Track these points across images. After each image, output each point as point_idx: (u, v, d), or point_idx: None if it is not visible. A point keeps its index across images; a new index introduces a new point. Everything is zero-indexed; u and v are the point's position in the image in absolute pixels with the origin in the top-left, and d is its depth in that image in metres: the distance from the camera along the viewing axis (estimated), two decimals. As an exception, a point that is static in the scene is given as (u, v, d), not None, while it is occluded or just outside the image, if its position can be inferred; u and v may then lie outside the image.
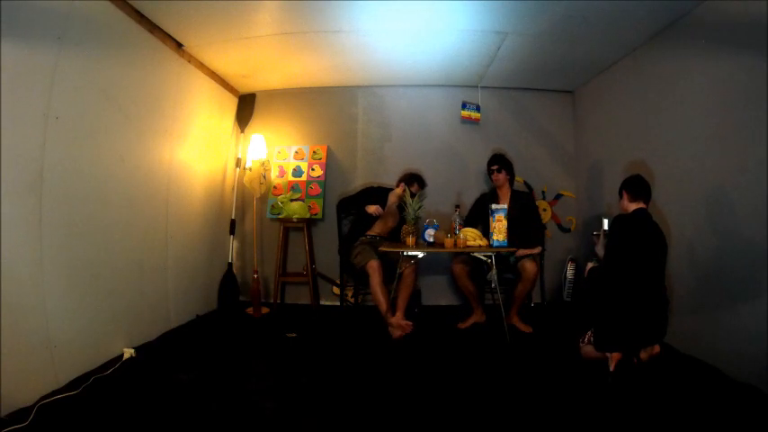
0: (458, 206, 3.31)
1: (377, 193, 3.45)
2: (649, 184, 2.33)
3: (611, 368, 2.17)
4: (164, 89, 2.90)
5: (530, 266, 3.05)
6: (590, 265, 2.51)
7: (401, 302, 3.04)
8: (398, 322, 2.93)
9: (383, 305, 2.97)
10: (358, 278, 3.35)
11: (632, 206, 2.30)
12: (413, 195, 3.21)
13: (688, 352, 2.49)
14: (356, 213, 3.45)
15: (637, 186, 2.31)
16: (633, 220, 2.25)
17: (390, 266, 3.08)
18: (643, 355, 2.20)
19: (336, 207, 3.63)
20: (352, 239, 3.33)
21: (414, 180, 3.34)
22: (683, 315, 2.55)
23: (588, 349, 2.31)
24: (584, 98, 3.92)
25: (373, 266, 2.97)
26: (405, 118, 4.06)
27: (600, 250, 2.49)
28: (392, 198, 3.33)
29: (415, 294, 3.18)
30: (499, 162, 3.29)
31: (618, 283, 2.18)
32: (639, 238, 2.19)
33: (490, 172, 3.33)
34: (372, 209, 3.17)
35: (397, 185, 3.33)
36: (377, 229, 3.33)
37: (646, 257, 2.16)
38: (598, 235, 2.57)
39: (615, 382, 2.14)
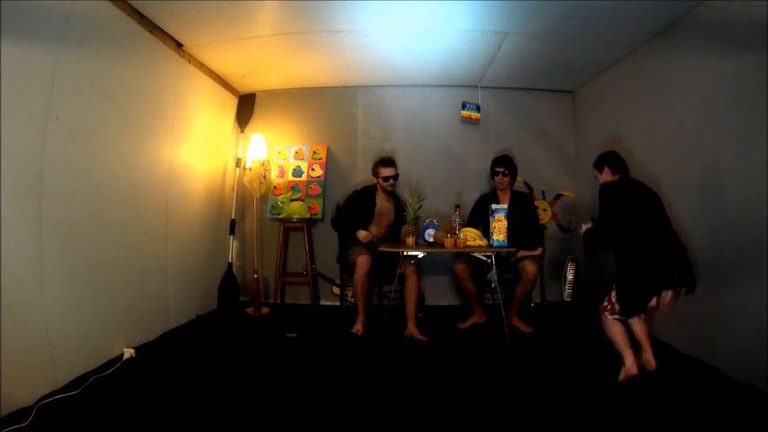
0: (458, 206, 3.30)
1: (363, 196, 3.38)
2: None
3: (621, 377, 2.14)
4: (164, 89, 2.90)
5: (530, 267, 3.04)
6: (585, 226, 2.48)
7: (409, 312, 3.01)
8: (411, 333, 2.95)
9: (360, 298, 3.05)
10: (354, 274, 3.34)
11: (615, 177, 2.34)
12: (386, 180, 3.23)
13: (688, 352, 2.49)
14: (348, 228, 3.33)
15: (617, 160, 2.37)
16: (621, 183, 2.30)
17: (390, 266, 3.08)
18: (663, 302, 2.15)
19: (332, 225, 3.52)
20: (349, 244, 3.30)
21: (378, 166, 3.28)
22: (683, 315, 2.55)
23: (613, 327, 2.19)
24: (584, 98, 3.92)
25: (361, 261, 2.99)
26: (405, 118, 4.06)
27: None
28: (380, 194, 3.32)
29: (419, 298, 3.16)
30: (505, 165, 3.27)
31: (628, 240, 2.15)
32: (633, 195, 2.21)
33: (495, 173, 3.31)
34: (362, 236, 3.15)
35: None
36: (373, 232, 3.32)
37: (645, 209, 2.16)
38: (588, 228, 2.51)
39: (616, 383, 2.14)
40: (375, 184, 3.37)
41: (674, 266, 2.10)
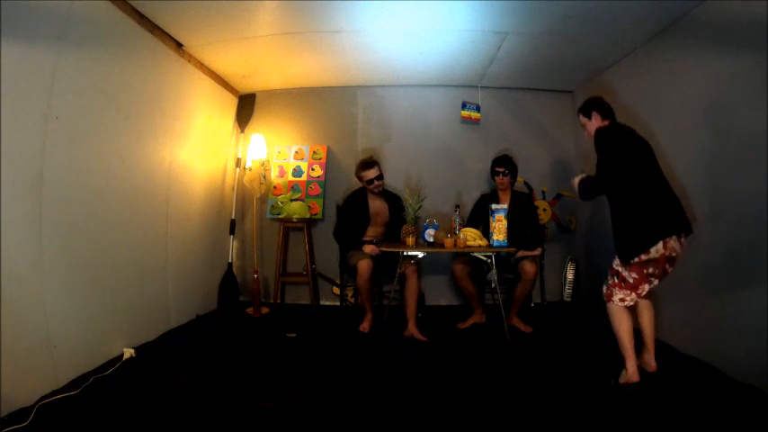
0: (458, 206, 3.31)
1: (355, 200, 3.36)
2: None
3: (621, 381, 2.12)
4: (164, 89, 2.90)
5: (529, 267, 3.04)
6: (577, 178, 2.40)
7: (410, 312, 3.01)
8: (411, 333, 2.95)
9: (365, 299, 3.12)
10: (356, 278, 3.35)
11: (606, 123, 2.30)
12: (370, 182, 3.21)
13: (688, 352, 2.49)
14: (348, 239, 3.32)
15: (605, 106, 2.33)
16: (617, 128, 2.26)
17: (390, 266, 3.08)
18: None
19: (334, 238, 3.48)
20: (349, 248, 3.29)
21: (359, 171, 3.25)
22: (683, 315, 2.56)
23: (621, 321, 2.12)
24: (583, 98, 3.90)
25: (362, 265, 3.00)
26: (405, 118, 4.06)
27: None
28: (371, 195, 3.31)
29: (419, 298, 3.17)
30: (505, 165, 3.27)
31: (628, 184, 2.10)
32: (630, 139, 2.18)
33: (495, 173, 3.31)
34: (368, 250, 3.13)
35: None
36: (371, 233, 3.33)
37: (642, 154, 2.13)
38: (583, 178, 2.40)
39: (616, 384, 2.14)
40: (363, 187, 3.34)
41: (674, 211, 2.07)
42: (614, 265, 2.18)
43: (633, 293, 2.11)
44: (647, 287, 2.12)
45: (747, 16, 2.08)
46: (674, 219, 2.06)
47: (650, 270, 2.08)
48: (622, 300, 2.13)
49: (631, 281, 2.10)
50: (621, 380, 2.13)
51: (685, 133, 2.58)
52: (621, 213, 2.14)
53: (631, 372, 2.10)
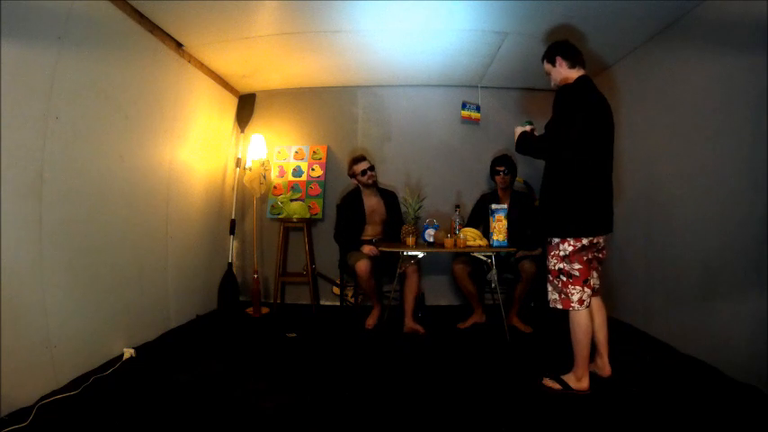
0: (458, 206, 3.31)
1: (350, 201, 3.37)
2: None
3: (573, 386, 2.08)
4: (164, 89, 2.90)
5: (528, 267, 3.05)
6: (519, 128, 2.21)
7: (408, 307, 3.07)
8: (410, 327, 3.01)
9: (370, 295, 3.21)
10: (357, 279, 3.36)
11: (573, 73, 2.04)
12: (363, 174, 3.24)
13: (688, 352, 2.49)
14: (348, 240, 3.34)
15: (571, 50, 2.05)
16: (585, 91, 1.98)
17: (390, 266, 3.08)
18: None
19: (335, 241, 3.49)
20: (348, 249, 3.30)
21: (351, 167, 3.30)
22: (683, 314, 2.56)
23: (581, 324, 2.03)
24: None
25: (360, 266, 3.02)
26: (405, 118, 4.06)
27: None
28: (366, 193, 3.32)
29: (419, 298, 3.20)
30: (506, 164, 3.28)
31: (572, 165, 1.95)
32: (596, 114, 1.96)
33: (496, 172, 3.31)
34: (367, 250, 3.14)
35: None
36: (369, 232, 3.34)
37: (602, 135, 1.98)
38: (528, 130, 2.21)
39: (617, 383, 2.14)
40: (357, 187, 3.37)
41: (610, 211, 2.03)
42: (553, 267, 2.06)
43: (585, 287, 2.01)
44: (593, 277, 2.09)
45: (747, 16, 2.08)
46: (608, 219, 2.05)
47: (588, 256, 2.04)
48: (581, 300, 2.00)
49: (577, 273, 2.00)
50: (573, 386, 2.09)
51: (685, 133, 2.58)
52: (561, 189, 2.00)
53: (586, 379, 2.09)
